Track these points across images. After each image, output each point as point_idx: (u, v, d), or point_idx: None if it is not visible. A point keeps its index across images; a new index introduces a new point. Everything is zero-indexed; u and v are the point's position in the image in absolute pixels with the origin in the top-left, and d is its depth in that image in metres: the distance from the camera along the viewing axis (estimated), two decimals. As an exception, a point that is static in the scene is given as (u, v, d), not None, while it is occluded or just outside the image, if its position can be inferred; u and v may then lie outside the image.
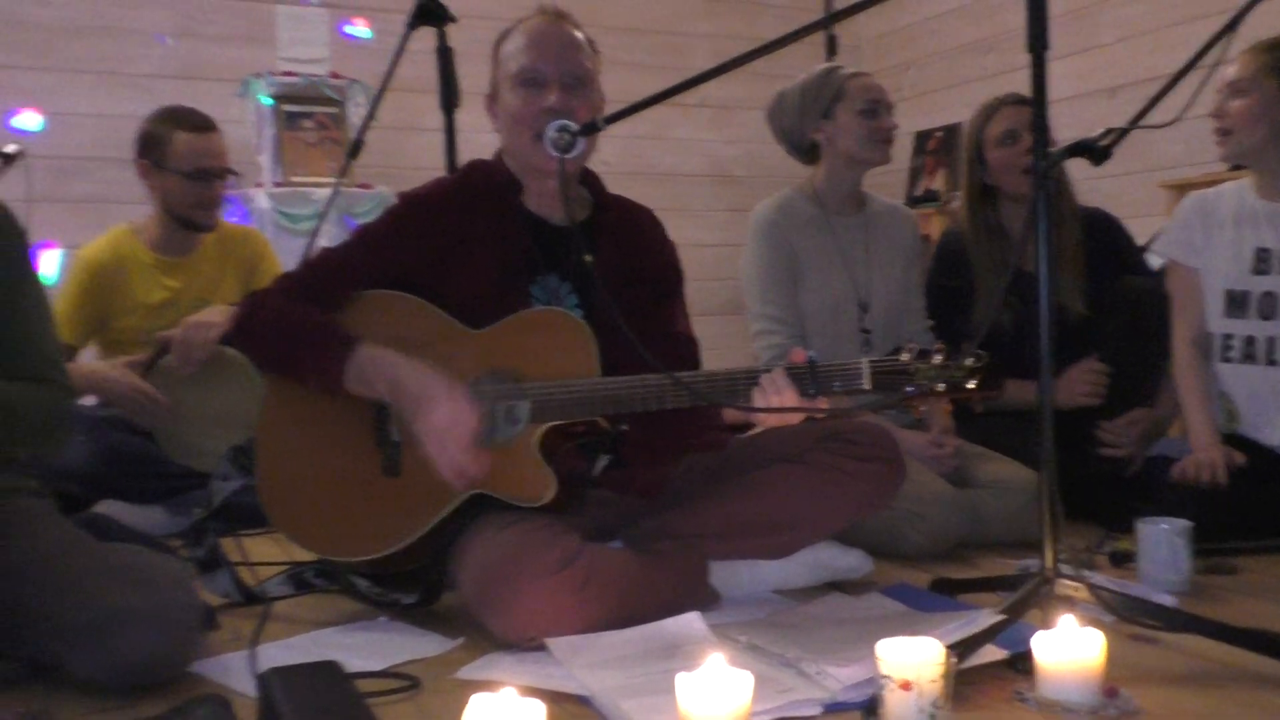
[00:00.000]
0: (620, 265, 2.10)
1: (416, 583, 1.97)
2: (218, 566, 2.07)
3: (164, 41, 4.33)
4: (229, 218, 3.77)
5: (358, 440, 1.94)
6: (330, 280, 2.00)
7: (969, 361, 1.78)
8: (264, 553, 2.31)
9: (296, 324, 1.92)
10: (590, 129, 1.92)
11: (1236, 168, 2.65)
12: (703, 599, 1.97)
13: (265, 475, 1.98)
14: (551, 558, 1.76)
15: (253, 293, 2.04)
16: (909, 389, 1.80)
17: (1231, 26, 1.96)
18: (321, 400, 1.94)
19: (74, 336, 2.95)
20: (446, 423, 1.80)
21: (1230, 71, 2.48)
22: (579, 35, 2.08)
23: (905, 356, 1.82)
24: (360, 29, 4.60)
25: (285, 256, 3.24)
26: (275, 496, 1.96)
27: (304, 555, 2.01)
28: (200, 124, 2.96)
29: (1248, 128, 2.47)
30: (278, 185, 4.00)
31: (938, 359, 1.81)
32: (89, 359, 3.05)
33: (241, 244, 3.14)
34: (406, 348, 1.89)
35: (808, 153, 2.80)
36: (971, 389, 1.80)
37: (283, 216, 3.88)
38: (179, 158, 2.92)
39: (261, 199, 3.90)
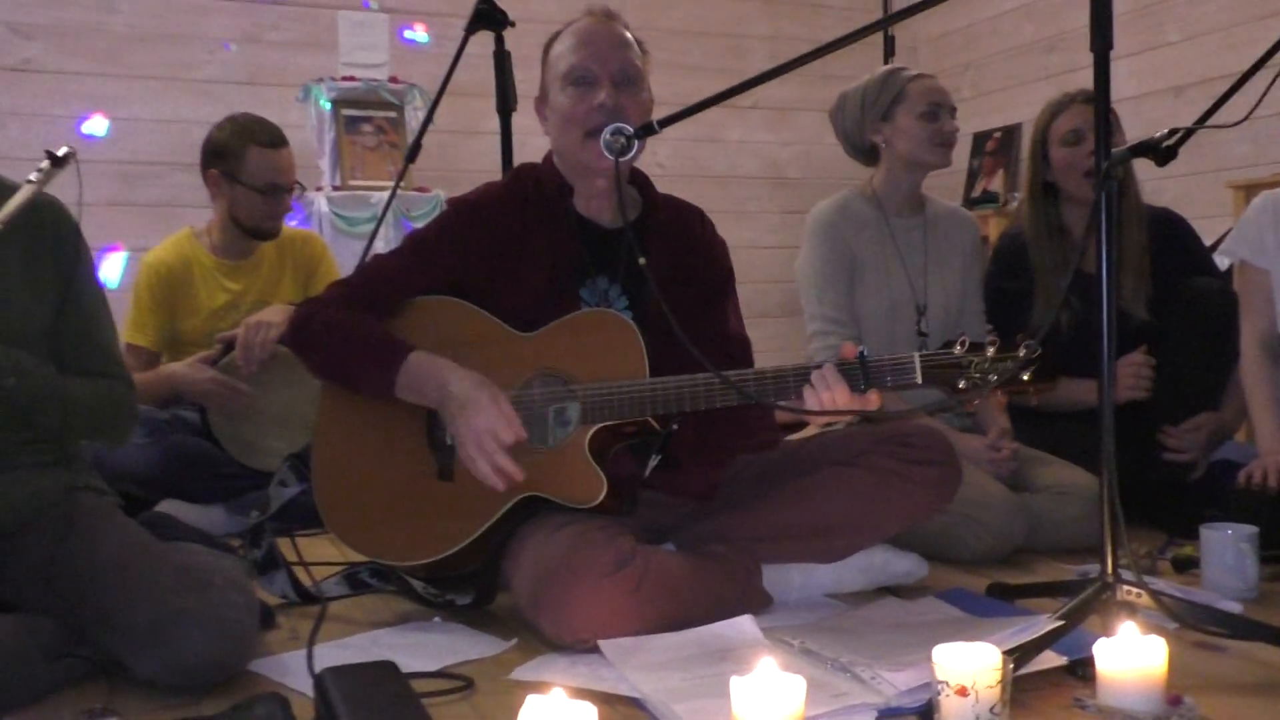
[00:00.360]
0: (671, 266, 2.10)
1: (471, 584, 1.98)
2: (275, 567, 2.10)
3: (229, 49, 4.40)
4: (288, 220, 3.84)
5: (411, 445, 1.95)
6: (382, 287, 2.02)
7: (1022, 353, 1.74)
8: (320, 553, 2.34)
9: (349, 332, 1.94)
10: (647, 131, 1.92)
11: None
12: (755, 602, 1.97)
13: (321, 480, 2.00)
14: (605, 560, 1.76)
15: (306, 300, 2.07)
16: (961, 383, 1.78)
17: (1302, 24, 1.91)
18: (375, 406, 1.96)
19: (152, 341, 3.02)
20: (485, 428, 1.81)
21: None
22: (628, 34, 2.09)
23: (958, 350, 1.79)
24: (419, 34, 4.65)
25: (343, 259, 3.29)
26: (331, 501, 1.99)
27: (359, 556, 2.03)
28: (273, 139, 3.01)
29: None
30: (336, 189, 4.05)
31: (990, 352, 1.77)
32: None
33: (301, 248, 3.19)
34: (457, 352, 1.91)
35: (867, 154, 2.79)
36: (1025, 381, 1.76)
37: (340, 219, 3.92)
38: (252, 173, 2.97)
39: (320, 202, 3.95)
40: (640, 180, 2.18)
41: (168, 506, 2.67)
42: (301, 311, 2.02)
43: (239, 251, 3.09)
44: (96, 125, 4.22)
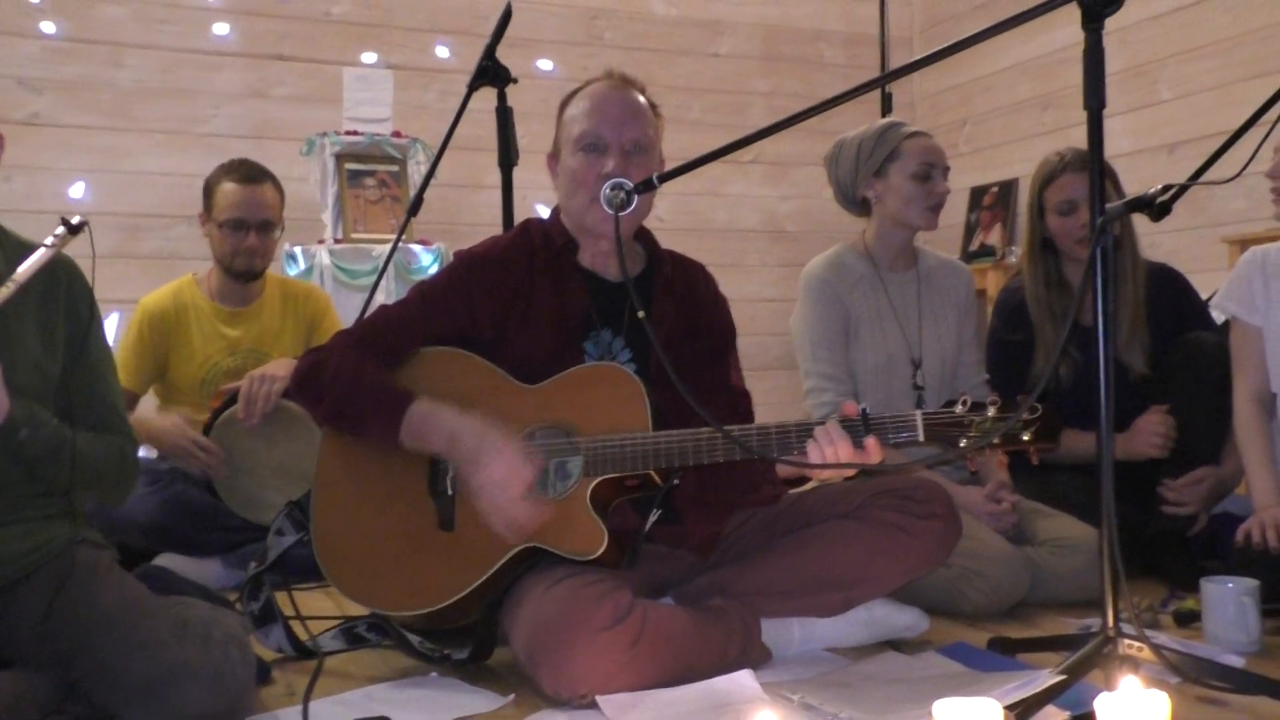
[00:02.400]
0: (675, 320, 2.11)
1: (469, 638, 1.96)
2: (272, 621, 2.08)
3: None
4: (292, 272, 3.85)
5: (412, 494, 1.95)
6: (388, 337, 2.03)
7: (1025, 414, 1.75)
8: (317, 607, 2.32)
9: (354, 380, 1.94)
10: (646, 186, 1.95)
11: (1299, 222, 2.61)
12: (755, 656, 1.96)
13: (320, 530, 2.00)
14: (603, 614, 1.75)
15: (312, 349, 2.08)
16: (963, 442, 1.78)
17: (1290, 85, 1.95)
18: (376, 455, 1.96)
19: (135, 383, 3.01)
20: (500, 477, 1.82)
21: None
22: (642, 101, 2.10)
23: (959, 409, 1.80)
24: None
25: (344, 311, 3.29)
26: (330, 551, 1.98)
27: (357, 609, 2.02)
28: (248, 175, 3.01)
29: None
30: (338, 242, 4.07)
31: (992, 411, 1.79)
32: (146, 405, 3.11)
33: (304, 301, 3.19)
34: (461, 403, 1.91)
35: (859, 206, 2.80)
36: (1027, 441, 1.78)
37: (342, 272, 3.94)
38: (220, 208, 2.99)
39: (322, 255, 3.97)
40: (645, 236, 2.20)
41: (165, 560, 2.67)
42: (307, 360, 2.02)
43: (237, 297, 3.09)
44: (75, 189, 4.24)
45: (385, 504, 1.96)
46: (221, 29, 4.44)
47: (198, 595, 1.86)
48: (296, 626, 2.11)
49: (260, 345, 3.06)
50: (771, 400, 4.45)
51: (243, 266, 3.03)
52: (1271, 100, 1.96)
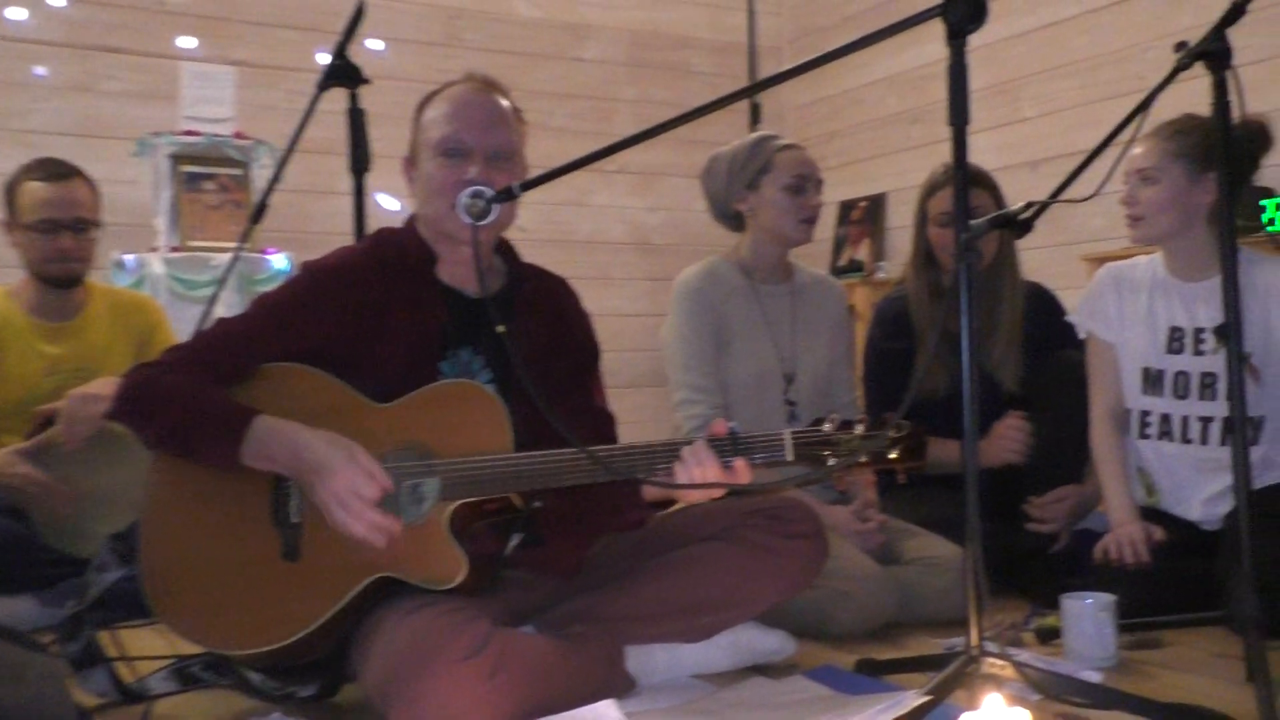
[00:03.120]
0: (537, 337, 2.05)
1: (315, 674, 1.87)
2: (94, 663, 1.94)
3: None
4: (122, 282, 3.62)
5: (253, 522, 1.83)
6: (228, 352, 1.91)
7: (892, 432, 1.77)
8: (146, 646, 2.16)
9: (188, 397, 1.82)
10: (505, 195, 1.88)
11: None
12: (619, 685, 1.91)
13: (150, 563, 1.86)
14: (460, 645, 1.68)
15: (140, 364, 1.94)
16: (832, 460, 1.78)
17: (1144, 106, 1.99)
18: (213, 479, 1.84)
19: None
20: (348, 485, 1.73)
21: (1137, 156, 2.48)
22: (506, 104, 2.03)
23: (828, 427, 1.81)
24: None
25: (180, 324, 3.09)
26: (161, 586, 1.84)
27: (190, 648, 1.90)
28: (53, 172, 2.82)
29: (1158, 215, 2.46)
30: (174, 250, 3.86)
31: (860, 429, 1.80)
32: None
33: (135, 313, 3.00)
34: (308, 423, 1.81)
35: (733, 220, 2.78)
36: (894, 459, 1.79)
37: (178, 282, 3.73)
38: (26, 210, 2.79)
39: (156, 264, 3.75)
40: (506, 249, 2.13)
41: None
42: (134, 377, 1.89)
43: (58, 311, 2.88)
44: None
45: (223, 533, 1.84)
46: (43, 15, 4.15)
47: (5, 638, 1.70)
48: (122, 668, 1.96)
49: (87, 363, 2.84)
50: (638, 418, 4.40)
51: (58, 272, 2.82)
52: (1125, 122, 2.01)
